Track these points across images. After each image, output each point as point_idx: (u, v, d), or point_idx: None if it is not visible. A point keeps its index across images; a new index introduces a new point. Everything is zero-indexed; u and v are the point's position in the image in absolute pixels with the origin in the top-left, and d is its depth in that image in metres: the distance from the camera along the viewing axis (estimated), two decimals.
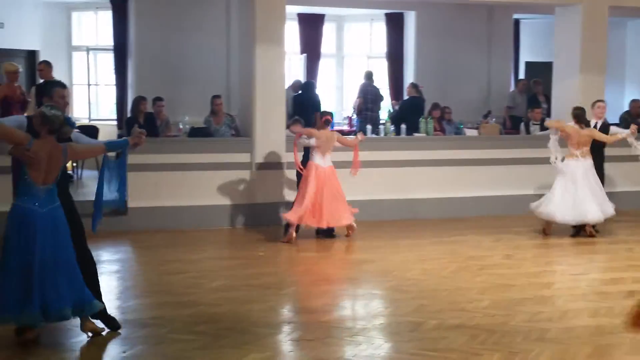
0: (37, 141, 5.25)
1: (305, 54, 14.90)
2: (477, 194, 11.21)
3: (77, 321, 5.68)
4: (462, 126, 12.64)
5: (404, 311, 6.44)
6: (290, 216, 9.12)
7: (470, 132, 12.36)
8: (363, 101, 13.43)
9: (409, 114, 12.50)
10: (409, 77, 14.95)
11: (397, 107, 13.90)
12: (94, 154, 5.60)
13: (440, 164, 11.10)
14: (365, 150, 10.81)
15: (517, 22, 16.16)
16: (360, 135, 9.79)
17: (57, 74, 10.60)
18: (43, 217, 5.27)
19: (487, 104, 14.89)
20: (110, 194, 5.78)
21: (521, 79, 15.29)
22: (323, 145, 9.24)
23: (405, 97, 13.82)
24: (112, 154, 5.95)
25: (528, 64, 16.50)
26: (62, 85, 5.81)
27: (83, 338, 5.66)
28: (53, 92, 5.67)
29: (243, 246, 9.21)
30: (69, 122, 5.36)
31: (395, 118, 12.53)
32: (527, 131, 12.08)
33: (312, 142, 9.24)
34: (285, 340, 5.77)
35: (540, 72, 14.74)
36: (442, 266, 8.13)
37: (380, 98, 13.86)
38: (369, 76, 13.77)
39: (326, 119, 9.46)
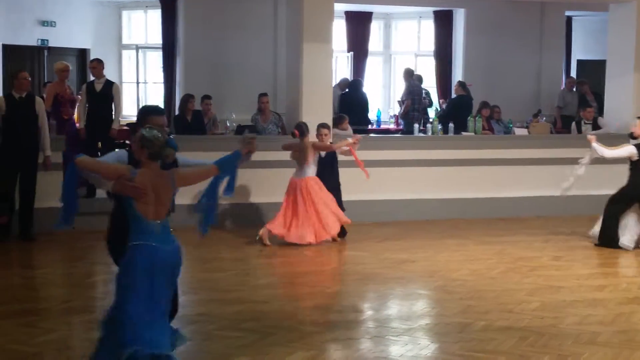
0: (140, 170, 4.53)
1: (352, 52, 14.86)
2: (526, 194, 11.04)
3: None
4: (511, 125, 12.46)
5: (451, 312, 6.36)
6: (275, 229, 8.93)
7: (520, 131, 12.17)
8: (411, 102, 13.24)
9: (457, 112, 12.36)
10: (457, 75, 14.80)
11: (444, 106, 13.76)
12: (205, 177, 4.73)
13: (488, 163, 10.96)
14: (412, 149, 10.75)
15: (569, 19, 15.88)
16: (354, 139, 9.19)
17: (107, 72, 10.74)
18: (168, 255, 4.58)
19: (538, 103, 14.66)
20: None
21: (571, 77, 15.03)
22: (296, 157, 9.05)
23: (453, 95, 13.67)
24: None
25: (580, 62, 16.22)
26: (158, 112, 5.02)
27: None
28: (148, 120, 4.85)
29: (287, 244, 9.19)
30: (170, 144, 4.58)
31: (443, 117, 12.40)
32: (579, 130, 11.85)
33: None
34: (332, 339, 5.74)
35: (593, 71, 14.47)
36: (490, 267, 8.02)
37: (427, 95, 13.74)
38: (410, 74, 13.62)
39: (292, 132, 9.15)
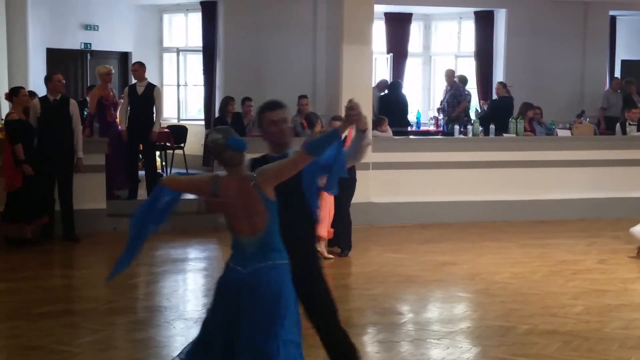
0: (221, 179, 3.84)
1: (391, 54, 14.80)
2: (569, 197, 10.87)
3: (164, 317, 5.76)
4: (554, 127, 12.28)
5: (493, 315, 6.29)
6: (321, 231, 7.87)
7: (563, 133, 12.00)
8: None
9: (499, 114, 12.21)
10: (498, 76, 14.64)
11: (485, 107, 13.62)
12: (294, 167, 3.79)
13: (530, 165, 10.82)
14: (453, 151, 10.66)
15: (613, 19, 15.60)
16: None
17: (149, 75, 10.84)
18: (239, 279, 3.80)
19: (581, 104, 14.43)
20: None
21: (616, 78, 14.77)
22: None
23: (494, 96, 13.53)
24: None
25: (624, 62, 15.92)
26: (271, 107, 4.23)
27: (174, 333, 5.75)
28: (262, 118, 4.19)
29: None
30: (232, 145, 3.79)
31: (484, 118, 12.28)
32: (623, 132, 11.63)
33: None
34: (371, 342, 5.72)
35: (637, 71, 14.19)
36: (533, 270, 7.91)
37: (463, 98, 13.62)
38: (460, 78, 13.49)
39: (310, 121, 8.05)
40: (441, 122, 13.44)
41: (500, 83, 13.22)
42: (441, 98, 13.64)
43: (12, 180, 8.61)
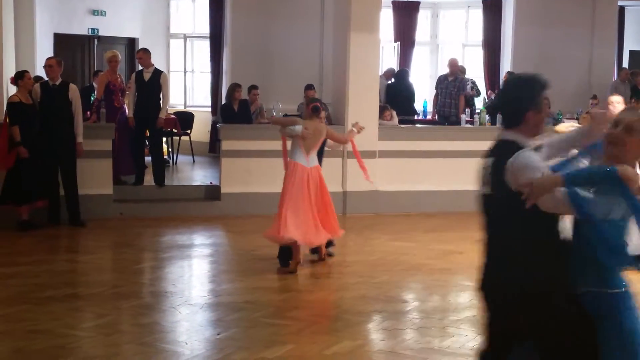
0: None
1: (399, 42, 14.76)
2: None
3: (173, 301, 5.79)
4: (561, 117, 12.24)
5: None
6: (291, 233, 7.01)
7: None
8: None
9: None
10: (505, 66, 14.60)
11: (494, 97, 13.54)
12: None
13: None
14: (459, 140, 10.63)
15: (622, 9, 15.54)
16: (357, 127, 7.70)
17: (156, 61, 10.84)
18: None
19: (588, 94, 14.37)
20: None
21: (624, 68, 14.71)
22: (309, 139, 7.26)
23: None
24: None
25: (632, 52, 15.87)
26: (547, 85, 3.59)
27: (179, 318, 5.78)
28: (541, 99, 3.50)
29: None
30: None
31: (493, 108, 12.21)
32: None
33: (298, 129, 7.16)
34: (377, 329, 5.73)
35: None
36: None
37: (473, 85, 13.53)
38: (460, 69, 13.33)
39: (314, 106, 7.41)
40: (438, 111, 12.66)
41: (508, 73, 13.17)
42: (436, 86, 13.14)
43: (5, 160, 8.68)
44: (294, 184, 7.18)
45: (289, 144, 7.52)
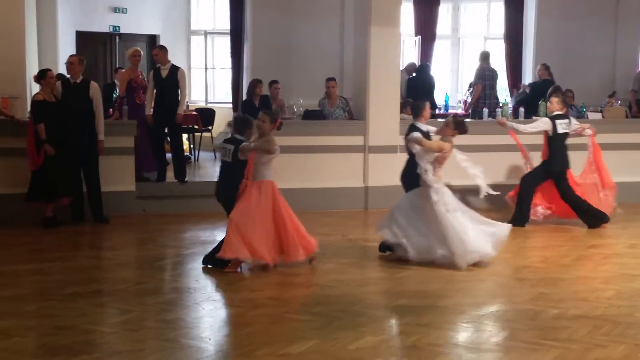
0: None
1: (419, 36, 14.69)
2: None
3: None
4: (584, 110, 12.12)
5: (522, 299, 6.25)
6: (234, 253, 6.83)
7: (594, 116, 11.83)
8: (482, 87, 12.79)
9: (540, 96, 11.97)
10: (528, 59, 14.49)
11: (526, 90, 13.30)
12: None
13: None
14: (481, 135, 10.54)
15: None
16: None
17: (176, 58, 10.87)
18: None
19: (612, 87, 14.23)
20: None
21: None
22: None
23: (535, 79, 13.27)
24: None
25: None
26: None
27: (202, 314, 5.79)
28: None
29: (354, 230, 9.19)
30: None
31: (525, 101, 12.09)
32: None
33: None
34: (400, 324, 5.71)
35: None
36: (563, 254, 7.85)
37: (496, 79, 13.40)
38: (485, 57, 13.20)
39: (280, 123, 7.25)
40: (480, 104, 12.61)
41: (543, 65, 12.97)
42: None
43: (34, 158, 8.78)
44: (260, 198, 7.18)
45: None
